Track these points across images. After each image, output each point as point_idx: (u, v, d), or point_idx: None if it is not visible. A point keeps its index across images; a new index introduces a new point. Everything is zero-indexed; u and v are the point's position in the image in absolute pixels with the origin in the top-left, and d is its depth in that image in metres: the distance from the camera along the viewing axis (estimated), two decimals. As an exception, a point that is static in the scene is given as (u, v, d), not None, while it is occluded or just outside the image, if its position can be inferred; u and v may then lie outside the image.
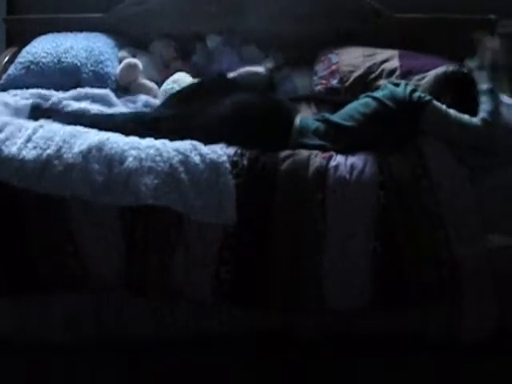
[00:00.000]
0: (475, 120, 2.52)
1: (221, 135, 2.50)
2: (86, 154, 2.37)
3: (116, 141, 2.44)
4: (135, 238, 2.39)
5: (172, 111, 2.72)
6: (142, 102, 3.04)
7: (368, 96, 2.68)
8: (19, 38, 3.50)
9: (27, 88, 3.10)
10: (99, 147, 2.40)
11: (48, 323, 2.52)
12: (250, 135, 2.49)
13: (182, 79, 3.12)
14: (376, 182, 2.39)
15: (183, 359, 2.49)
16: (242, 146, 2.47)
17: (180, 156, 2.39)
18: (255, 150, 2.45)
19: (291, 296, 2.41)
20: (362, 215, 2.38)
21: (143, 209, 2.35)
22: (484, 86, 2.62)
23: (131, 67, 3.22)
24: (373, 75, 3.09)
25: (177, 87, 3.02)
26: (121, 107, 3.00)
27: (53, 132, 2.48)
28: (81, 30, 3.43)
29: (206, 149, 2.44)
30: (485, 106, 2.56)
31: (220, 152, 2.42)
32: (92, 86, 3.12)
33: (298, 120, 2.61)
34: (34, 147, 2.40)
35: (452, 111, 2.55)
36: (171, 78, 3.17)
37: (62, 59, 3.21)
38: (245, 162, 2.41)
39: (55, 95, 3.06)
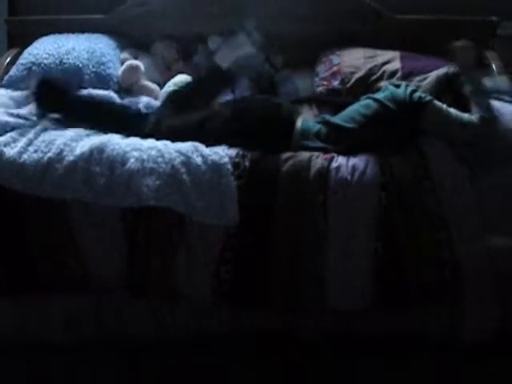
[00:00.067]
0: (474, 118, 2.53)
1: (223, 137, 2.50)
2: (88, 156, 2.38)
3: (117, 142, 2.45)
4: (137, 239, 2.39)
5: (173, 112, 2.72)
6: (143, 103, 3.04)
7: (369, 97, 2.68)
8: (21, 40, 3.49)
9: (29, 89, 3.10)
10: (100, 149, 2.40)
11: (48, 323, 2.53)
12: (252, 138, 2.50)
13: (183, 81, 3.13)
14: (377, 183, 2.40)
15: (183, 359, 2.49)
16: (243, 148, 2.47)
17: (182, 157, 2.40)
18: (257, 152, 2.46)
19: (292, 296, 2.41)
20: (364, 216, 2.38)
21: (145, 210, 2.35)
22: (468, 87, 2.63)
23: (133, 69, 3.21)
24: (374, 77, 3.09)
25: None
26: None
27: (54, 135, 2.48)
28: (82, 32, 3.42)
29: (207, 150, 2.44)
30: (480, 104, 2.57)
31: (222, 153, 2.43)
32: (94, 88, 3.12)
33: (299, 122, 2.61)
34: (35, 151, 2.41)
35: (452, 110, 2.55)
36: (173, 80, 3.18)
37: (64, 60, 3.20)
38: (246, 164, 2.42)
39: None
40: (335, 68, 3.20)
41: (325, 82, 3.17)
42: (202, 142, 2.48)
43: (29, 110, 2.86)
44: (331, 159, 2.46)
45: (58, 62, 3.19)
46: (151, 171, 2.35)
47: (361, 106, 2.65)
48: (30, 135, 2.48)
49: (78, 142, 2.45)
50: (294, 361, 2.49)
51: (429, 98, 2.58)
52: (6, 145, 2.43)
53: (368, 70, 3.13)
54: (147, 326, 2.53)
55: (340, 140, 2.55)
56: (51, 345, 2.50)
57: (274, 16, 3.42)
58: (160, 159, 2.38)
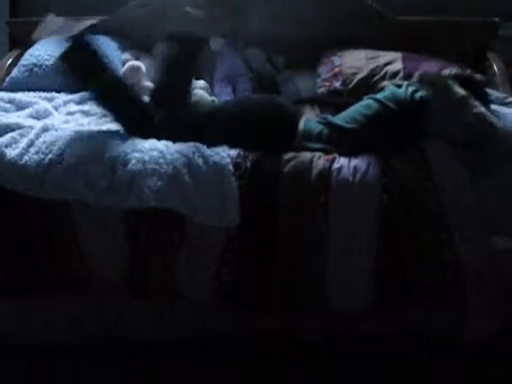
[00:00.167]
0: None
1: (224, 138, 2.50)
2: (89, 158, 2.38)
3: (118, 143, 2.45)
4: (138, 240, 2.39)
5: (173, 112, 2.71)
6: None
7: (370, 98, 2.68)
8: (22, 41, 3.50)
9: (30, 91, 3.10)
10: (101, 150, 2.40)
11: (50, 324, 2.52)
12: (254, 139, 2.50)
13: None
14: (379, 184, 2.39)
15: (184, 359, 2.49)
16: (245, 149, 2.47)
17: (183, 158, 2.39)
18: (258, 153, 2.45)
19: (293, 298, 2.40)
20: (365, 217, 2.37)
21: (146, 211, 2.35)
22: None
23: (134, 69, 3.22)
24: (376, 77, 3.10)
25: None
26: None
27: (55, 136, 2.48)
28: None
29: (209, 151, 2.44)
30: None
31: (223, 154, 2.42)
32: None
33: (301, 123, 2.61)
34: (37, 152, 2.40)
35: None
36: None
37: (66, 61, 3.20)
38: (248, 164, 2.41)
39: (58, 98, 3.07)
40: (337, 69, 3.21)
41: (326, 83, 3.18)
42: (203, 141, 2.48)
43: (29, 112, 2.87)
44: (333, 160, 2.45)
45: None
46: (153, 172, 2.34)
47: (362, 107, 2.64)
48: (31, 136, 2.47)
49: (78, 142, 2.44)
50: (294, 361, 2.48)
51: (430, 98, 2.57)
52: (7, 146, 2.43)
53: (370, 70, 3.14)
54: (148, 327, 2.53)
55: (341, 141, 2.55)
56: (53, 345, 2.49)
57: (275, 17, 3.42)
58: (161, 160, 2.37)
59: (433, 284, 2.38)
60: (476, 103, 2.51)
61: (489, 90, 2.87)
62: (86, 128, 2.70)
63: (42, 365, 2.47)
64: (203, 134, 2.53)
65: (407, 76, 3.02)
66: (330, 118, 2.66)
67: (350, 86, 3.12)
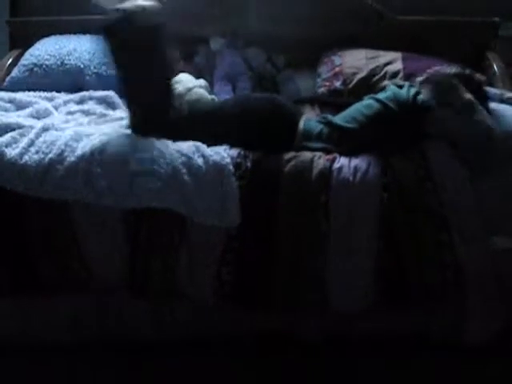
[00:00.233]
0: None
1: (224, 137, 2.50)
2: (89, 157, 2.37)
3: (118, 143, 2.44)
4: (138, 240, 2.39)
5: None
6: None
7: (371, 98, 2.68)
8: (23, 41, 3.50)
9: (30, 90, 3.10)
10: (101, 150, 2.39)
11: (50, 324, 2.52)
12: (255, 138, 2.49)
13: (185, 80, 3.12)
14: (379, 183, 2.39)
15: (183, 359, 2.49)
16: (245, 148, 2.47)
17: (183, 158, 2.39)
18: (259, 152, 2.45)
19: (294, 298, 2.40)
20: (366, 216, 2.37)
21: (146, 211, 2.35)
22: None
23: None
24: (376, 77, 3.10)
25: (180, 88, 3.01)
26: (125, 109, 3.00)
27: (55, 136, 2.48)
28: (84, 33, 3.43)
29: (209, 151, 2.44)
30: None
31: (223, 154, 2.42)
32: (95, 88, 3.13)
33: (301, 123, 2.61)
34: (37, 151, 2.40)
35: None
36: (174, 79, 3.17)
37: (66, 61, 3.22)
38: (248, 164, 2.41)
39: (58, 97, 3.07)
40: (337, 69, 3.21)
41: (327, 83, 3.18)
42: (203, 141, 2.48)
43: (29, 111, 2.86)
44: (333, 160, 2.45)
45: (59, 63, 3.21)
46: (152, 172, 2.34)
47: (363, 106, 2.64)
48: (31, 135, 2.47)
49: (78, 142, 2.44)
50: (294, 361, 2.48)
51: (432, 102, 2.56)
52: (7, 145, 2.42)
53: (370, 70, 3.14)
54: (148, 327, 2.53)
55: (342, 141, 2.55)
56: (53, 345, 2.49)
57: (275, 16, 3.42)
58: (161, 160, 2.37)
59: (433, 284, 2.38)
60: (480, 108, 2.52)
61: (487, 88, 2.87)
62: (85, 127, 2.70)
63: (42, 365, 2.47)
64: (203, 133, 2.53)
65: (407, 76, 3.02)
66: (330, 117, 2.66)
67: (350, 85, 3.12)
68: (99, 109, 2.95)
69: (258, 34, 3.44)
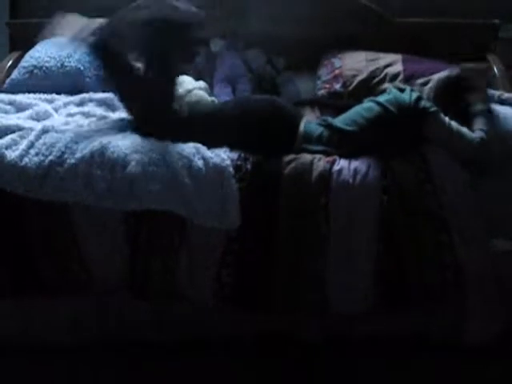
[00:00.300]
0: (475, 136, 2.52)
1: (224, 139, 2.50)
2: (89, 159, 2.37)
3: (118, 145, 2.43)
4: (138, 242, 2.39)
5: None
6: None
7: (371, 100, 2.68)
8: (22, 43, 3.50)
9: (30, 92, 3.11)
10: (101, 152, 2.39)
11: (51, 325, 2.53)
12: (255, 140, 2.50)
13: (185, 82, 3.13)
14: (379, 186, 2.39)
15: (183, 360, 2.49)
16: (245, 150, 2.47)
17: (183, 160, 2.39)
18: (259, 155, 2.46)
19: (294, 300, 2.41)
20: (365, 219, 2.38)
21: (146, 213, 2.35)
22: (480, 106, 2.62)
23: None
24: (376, 79, 3.10)
25: (180, 90, 3.01)
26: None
27: (55, 138, 2.48)
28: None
29: (209, 153, 2.44)
30: (481, 125, 2.57)
31: (223, 156, 2.42)
32: (95, 90, 3.13)
33: (302, 126, 2.61)
34: (37, 154, 2.40)
35: (454, 124, 2.54)
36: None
37: (66, 63, 3.22)
38: (248, 166, 2.41)
39: (58, 99, 3.07)
40: (337, 71, 3.21)
41: (327, 85, 3.18)
42: (203, 143, 2.48)
43: (29, 114, 2.86)
44: (333, 162, 2.46)
45: (59, 65, 3.21)
46: (152, 174, 2.34)
47: (363, 109, 2.64)
48: (31, 138, 2.47)
49: (78, 144, 2.44)
50: (294, 361, 2.49)
51: (434, 109, 2.56)
52: (7, 147, 2.43)
53: (370, 72, 3.14)
54: (148, 327, 2.53)
55: (342, 143, 2.55)
56: (53, 346, 2.50)
57: (275, 18, 3.42)
58: (161, 162, 2.37)
59: (433, 286, 2.39)
60: (443, 119, 2.54)
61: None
62: (85, 129, 2.70)
63: (43, 365, 2.47)
64: (203, 135, 2.53)
65: (407, 78, 3.02)
66: (330, 120, 2.66)
67: (350, 87, 3.12)
68: (99, 111, 2.95)
69: (257, 34, 3.43)
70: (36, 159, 2.39)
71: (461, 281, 2.39)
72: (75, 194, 2.34)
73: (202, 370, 2.45)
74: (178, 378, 2.44)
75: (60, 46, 3.10)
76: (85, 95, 3.07)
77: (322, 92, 3.19)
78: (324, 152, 2.52)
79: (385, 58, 3.23)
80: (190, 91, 3.01)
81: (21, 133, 2.53)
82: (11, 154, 2.40)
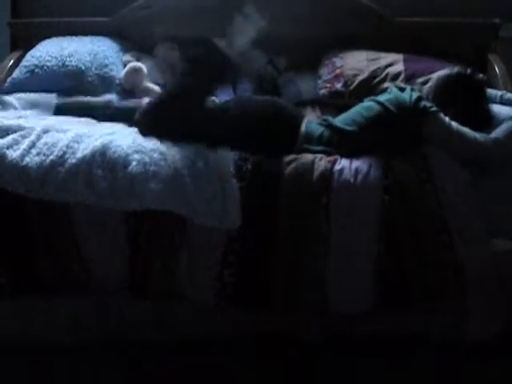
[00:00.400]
0: (479, 136, 2.52)
1: (225, 139, 2.50)
2: (90, 159, 2.37)
3: (119, 144, 2.44)
4: (139, 242, 2.39)
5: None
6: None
7: (372, 100, 2.68)
8: (24, 42, 3.51)
9: (31, 92, 3.11)
10: (102, 151, 2.40)
11: (50, 325, 2.53)
12: (255, 141, 2.50)
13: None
14: (380, 185, 2.39)
15: (184, 359, 2.49)
16: (246, 150, 2.47)
17: (184, 160, 2.39)
18: (259, 154, 2.46)
19: (294, 300, 2.41)
20: (366, 218, 2.38)
21: (147, 212, 2.35)
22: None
23: (136, 71, 3.22)
24: (377, 79, 3.10)
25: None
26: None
27: (56, 138, 2.48)
28: (85, 34, 3.44)
29: (210, 153, 2.44)
30: (504, 127, 2.57)
31: (224, 156, 2.43)
32: (96, 90, 3.13)
33: (303, 126, 2.61)
34: (38, 153, 2.40)
35: (455, 124, 2.54)
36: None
37: (67, 63, 3.22)
38: (249, 166, 2.41)
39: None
40: (338, 70, 3.21)
41: (328, 85, 3.18)
42: (203, 143, 2.48)
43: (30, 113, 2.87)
44: (334, 162, 2.46)
45: (60, 64, 3.21)
46: (154, 174, 2.34)
47: (363, 108, 2.64)
48: (33, 137, 2.47)
49: (79, 143, 2.45)
50: (294, 361, 2.49)
51: (434, 108, 2.56)
52: (8, 147, 2.43)
53: (371, 72, 3.14)
54: (148, 327, 2.53)
55: (341, 143, 2.55)
56: (53, 346, 2.50)
57: (275, 18, 3.41)
58: (162, 162, 2.37)
59: (433, 286, 2.39)
60: (443, 119, 2.54)
61: (488, 90, 2.88)
62: (86, 129, 2.70)
63: (43, 365, 2.47)
64: (204, 135, 2.53)
65: (408, 78, 3.02)
66: (330, 119, 2.66)
67: (351, 87, 3.12)
68: None
69: (258, 35, 3.43)
70: (37, 159, 2.39)
71: (461, 281, 2.39)
72: (76, 194, 2.34)
73: (202, 370, 2.45)
74: (178, 378, 2.44)
75: None
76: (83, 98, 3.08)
77: (323, 91, 3.19)
78: (325, 152, 2.52)
79: (386, 58, 3.23)
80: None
81: (22, 132, 2.53)
82: (12, 154, 2.40)
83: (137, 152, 2.40)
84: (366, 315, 2.45)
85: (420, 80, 2.89)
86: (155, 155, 2.39)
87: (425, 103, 2.57)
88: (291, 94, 3.23)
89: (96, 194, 2.33)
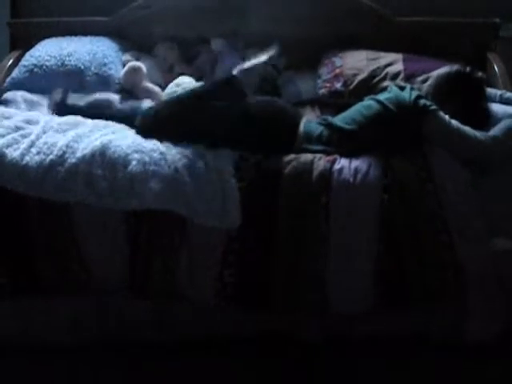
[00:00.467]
0: (479, 134, 2.52)
1: (225, 139, 2.50)
2: (90, 159, 2.38)
3: (119, 144, 2.44)
4: (139, 242, 2.39)
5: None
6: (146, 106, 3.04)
7: (371, 98, 2.68)
8: (23, 42, 3.51)
9: (30, 91, 3.11)
10: (102, 151, 2.40)
11: (50, 325, 2.53)
12: (255, 141, 2.50)
13: (185, 83, 3.13)
14: (380, 185, 2.39)
15: (183, 359, 2.49)
16: (246, 150, 2.47)
17: (184, 160, 2.39)
18: (259, 154, 2.46)
19: (294, 300, 2.41)
20: (366, 218, 2.38)
21: (147, 212, 2.35)
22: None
23: (135, 70, 3.22)
24: (377, 78, 3.10)
25: (180, 91, 3.02)
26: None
27: (56, 137, 2.48)
28: (85, 34, 3.44)
29: (210, 153, 2.44)
30: (503, 125, 2.57)
31: (224, 156, 2.43)
32: (95, 89, 3.13)
33: (302, 125, 2.61)
34: (38, 152, 2.41)
35: (455, 123, 2.54)
36: (175, 82, 3.18)
37: (66, 62, 3.22)
38: (249, 166, 2.42)
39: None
40: (338, 70, 3.20)
41: (327, 84, 3.18)
42: (205, 143, 2.48)
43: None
44: (334, 161, 2.46)
45: (59, 64, 3.21)
46: (153, 174, 2.35)
47: (363, 107, 2.65)
48: (32, 137, 2.47)
49: (79, 143, 2.45)
50: (294, 362, 2.49)
51: (434, 107, 2.56)
52: (8, 146, 2.43)
53: (370, 71, 3.14)
54: (148, 327, 2.53)
55: (341, 142, 2.55)
56: (53, 346, 2.50)
57: (275, 17, 3.42)
58: (162, 162, 2.38)
59: (433, 286, 2.39)
60: (443, 117, 2.54)
61: (488, 89, 2.88)
62: (86, 129, 2.70)
63: (43, 365, 2.47)
64: (204, 134, 2.53)
65: (408, 77, 3.02)
66: (330, 119, 2.66)
67: (351, 86, 3.12)
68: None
69: (258, 34, 3.43)
70: (37, 158, 2.39)
71: (461, 280, 2.39)
72: (76, 194, 2.34)
73: (202, 370, 2.45)
74: (178, 378, 2.44)
75: None
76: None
77: (322, 91, 3.19)
78: (324, 151, 2.52)
79: (385, 57, 3.22)
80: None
81: (22, 132, 2.53)
82: (12, 153, 2.40)
83: (136, 152, 2.40)
84: (366, 315, 2.46)
85: (419, 78, 2.89)
86: (155, 155, 2.39)
87: (424, 102, 2.57)
88: (291, 94, 3.23)
89: (96, 194, 2.33)
